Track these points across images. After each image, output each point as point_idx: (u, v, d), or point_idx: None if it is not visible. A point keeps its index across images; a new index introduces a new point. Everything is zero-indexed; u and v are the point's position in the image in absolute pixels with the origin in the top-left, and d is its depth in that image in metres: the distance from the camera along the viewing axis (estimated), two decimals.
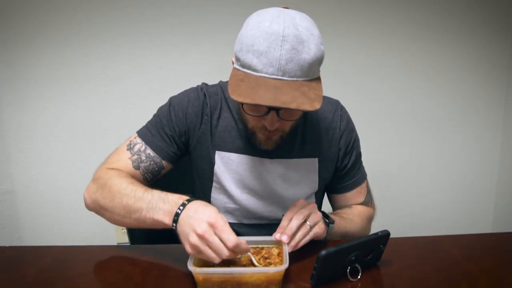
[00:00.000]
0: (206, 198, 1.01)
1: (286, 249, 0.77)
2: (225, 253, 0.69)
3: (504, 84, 1.93)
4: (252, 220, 1.01)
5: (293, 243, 0.80)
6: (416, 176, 2.01)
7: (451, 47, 1.88)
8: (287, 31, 0.75)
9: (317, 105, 0.75)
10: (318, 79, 0.81)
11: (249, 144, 0.96)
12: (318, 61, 0.79)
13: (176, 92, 1.05)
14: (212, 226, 0.70)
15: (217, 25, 1.75)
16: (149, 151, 0.95)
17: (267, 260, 0.79)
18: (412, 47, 1.87)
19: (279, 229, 0.82)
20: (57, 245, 0.97)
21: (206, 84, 1.03)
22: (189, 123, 0.96)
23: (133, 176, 0.92)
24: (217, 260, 0.70)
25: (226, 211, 1.00)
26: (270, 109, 0.80)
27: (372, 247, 0.79)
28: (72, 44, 1.73)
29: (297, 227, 0.80)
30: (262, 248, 0.83)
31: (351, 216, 1.00)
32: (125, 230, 1.18)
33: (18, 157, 1.82)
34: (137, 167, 0.94)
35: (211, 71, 1.77)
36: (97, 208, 0.90)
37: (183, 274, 0.78)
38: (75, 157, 1.84)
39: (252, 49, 0.75)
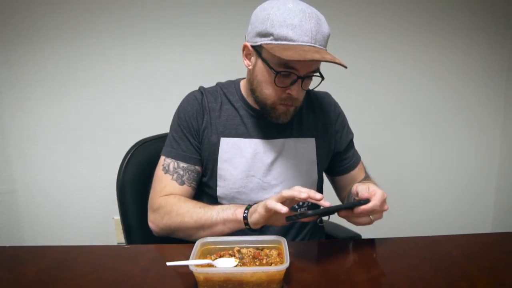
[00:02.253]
0: (213, 187, 1.05)
1: (287, 249, 0.77)
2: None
3: (504, 85, 1.94)
4: None
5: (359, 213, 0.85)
6: (416, 176, 2.02)
7: (451, 49, 1.89)
8: (309, 10, 0.89)
9: (346, 65, 0.88)
10: None
11: (251, 129, 1.04)
12: (329, 35, 0.93)
13: (177, 92, 1.07)
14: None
15: (219, 26, 1.75)
16: (182, 164, 1.04)
17: (268, 260, 0.79)
18: (412, 49, 1.87)
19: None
20: (57, 245, 0.97)
21: (203, 87, 1.11)
22: (193, 122, 1.04)
23: (185, 191, 1.03)
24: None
25: (232, 197, 1.03)
26: (298, 77, 0.91)
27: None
28: (74, 45, 1.73)
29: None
30: (262, 249, 0.83)
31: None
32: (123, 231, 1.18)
33: (19, 157, 1.82)
34: (182, 183, 1.03)
35: (213, 71, 1.77)
36: (168, 232, 1.00)
37: (184, 274, 0.78)
38: (75, 157, 1.84)
39: (286, 24, 0.86)
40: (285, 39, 0.87)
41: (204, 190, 1.09)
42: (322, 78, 0.96)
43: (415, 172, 2.01)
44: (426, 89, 1.92)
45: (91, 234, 1.91)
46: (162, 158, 1.05)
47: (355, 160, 1.15)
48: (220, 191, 1.04)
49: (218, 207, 0.94)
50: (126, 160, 1.18)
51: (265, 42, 0.90)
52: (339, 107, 1.14)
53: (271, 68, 0.91)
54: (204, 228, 0.93)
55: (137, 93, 1.80)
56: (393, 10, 1.82)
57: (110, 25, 1.73)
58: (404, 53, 1.87)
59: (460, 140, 1.99)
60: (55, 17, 1.70)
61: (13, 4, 1.68)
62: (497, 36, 1.88)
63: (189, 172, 1.03)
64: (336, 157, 1.13)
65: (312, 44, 0.87)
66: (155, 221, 1.01)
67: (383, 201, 0.86)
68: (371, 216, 0.86)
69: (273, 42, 0.88)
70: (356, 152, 1.17)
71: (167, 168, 1.03)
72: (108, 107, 1.80)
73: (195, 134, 1.04)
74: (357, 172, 1.14)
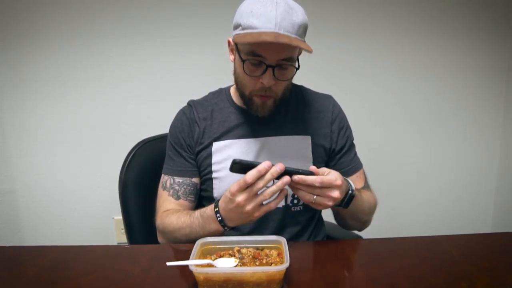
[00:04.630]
0: (210, 190, 1.05)
1: (287, 249, 0.77)
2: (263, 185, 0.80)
3: (504, 85, 1.94)
4: None
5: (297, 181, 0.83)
6: (416, 176, 2.02)
7: (451, 49, 1.88)
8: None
9: (310, 49, 0.89)
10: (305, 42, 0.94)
11: (242, 130, 1.05)
12: (305, 26, 0.92)
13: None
14: (235, 193, 0.81)
15: (219, 26, 1.75)
16: (177, 179, 1.06)
17: (268, 260, 0.79)
18: (412, 49, 1.87)
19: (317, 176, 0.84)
20: (57, 245, 0.97)
21: (193, 100, 1.13)
22: (184, 136, 1.07)
23: (181, 206, 1.05)
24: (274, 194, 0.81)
25: None
26: (267, 67, 0.91)
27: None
28: (74, 45, 1.73)
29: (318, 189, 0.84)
30: (262, 249, 0.83)
31: (363, 196, 1.01)
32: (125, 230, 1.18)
33: (19, 157, 1.82)
34: (177, 198, 1.05)
35: (213, 71, 1.77)
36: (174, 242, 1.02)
37: (184, 274, 0.78)
38: (75, 157, 1.84)
39: (252, 14, 0.88)
40: (250, 27, 0.89)
41: (202, 195, 1.10)
42: (297, 68, 0.96)
43: (415, 172, 2.01)
44: (426, 89, 1.92)
45: (91, 234, 1.91)
46: (162, 176, 1.08)
47: (353, 167, 1.11)
48: (216, 193, 1.04)
49: (198, 218, 0.93)
50: (128, 160, 1.18)
51: (236, 32, 0.93)
52: (339, 108, 1.13)
53: (240, 57, 0.94)
54: (188, 238, 0.94)
55: (137, 93, 1.80)
56: (393, 10, 1.82)
57: (110, 25, 1.73)
58: (404, 53, 1.87)
59: (460, 140, 1.99)
60: (55, 17, 1.70)
61: (13, 4, 1.68)
62: (497, 36, 1.88)
63: (185, 186, 1.05)
64: (332, 159, 1.10)
65: (275, 31, 0.87)
66: (160, 239, 1.04)
67: (333, 186, 0.83)
68: (314, 196, 0.83)
69: (241, 32, 0.91)
70: (356, 159, 1.13)
71: (164, 185, 1.06)
72: (108, 107, 1.80)
73: (187, 147, 1.06)
74: (354, 179, 1.09)
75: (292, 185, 0.84)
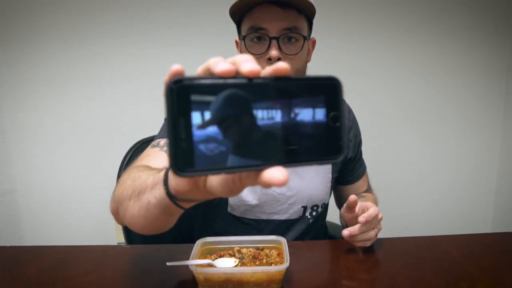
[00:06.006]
0: (224, 200, 1.00)
1: (287, 249, 0.77)
2: None
3: (504, 85, 1.94)
4: (271, 216, 1.02)
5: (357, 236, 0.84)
6: (416, 176, 2.02)
7: (451, 49, 1.88)
8: None
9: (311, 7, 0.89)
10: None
11: None
12: None
13: None
14: None
15: (219, 26, 1.75)
16: None
17: (268, 260, 0.79)
18: (412, 49, 1.87)
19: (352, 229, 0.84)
20: (57, 245, 0.97)
21: None
22: None
23: None
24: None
25: (245, 209, 1.01)
26: (271, 39, 0.87)
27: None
28: (74, 45, 1.73)
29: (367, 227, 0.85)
30: (262, 249, 0.83)
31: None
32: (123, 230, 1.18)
33: (19, 157, 1.82)
34: None
35: None
36: (115, 210, 0.70)
37: (184, 274, 0.78)
38: (75, 157, 1.84)
39: None
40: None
41: (212, 202, 1.01)
42: (304, 38, 0.91)
43: (415, 172, 2.01)
44: (426, 89, 1.92)
45: (91, 234, 1.91)
46: (152, 143, 0.89)
47: (361, 171, 1.14)
48: (232, 202, 1.00)
49: (156, 170, 0.65)
50: (126, 160, 1.18)
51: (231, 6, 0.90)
52: (353, 113, 1.12)
53: (244, 42, 0.90)
54: (134, 196, 0.62)
55: (137, 93, 1.80)
56: (393, 10, 1.82)
57: (110, 25, 1.73)
58: (404, 53, 1.87)
59: (460, 140, 1.99)
60: (55, 17, 1.70)
61: (13, 4, 1.68)
62: (497, 36, 1.88)
63: None
64: (345, 166, 1.11)
65: None
66: (111, 204, 0.72)
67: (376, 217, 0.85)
68: (375, 229, 0.86)
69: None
70: (363, 162, 1.15)
71: (156, 144, 0.87)
72: (108, 107, 1.80)
73: None
74: (360, 183, 1.13)
75: (355, 235, 0.83)
